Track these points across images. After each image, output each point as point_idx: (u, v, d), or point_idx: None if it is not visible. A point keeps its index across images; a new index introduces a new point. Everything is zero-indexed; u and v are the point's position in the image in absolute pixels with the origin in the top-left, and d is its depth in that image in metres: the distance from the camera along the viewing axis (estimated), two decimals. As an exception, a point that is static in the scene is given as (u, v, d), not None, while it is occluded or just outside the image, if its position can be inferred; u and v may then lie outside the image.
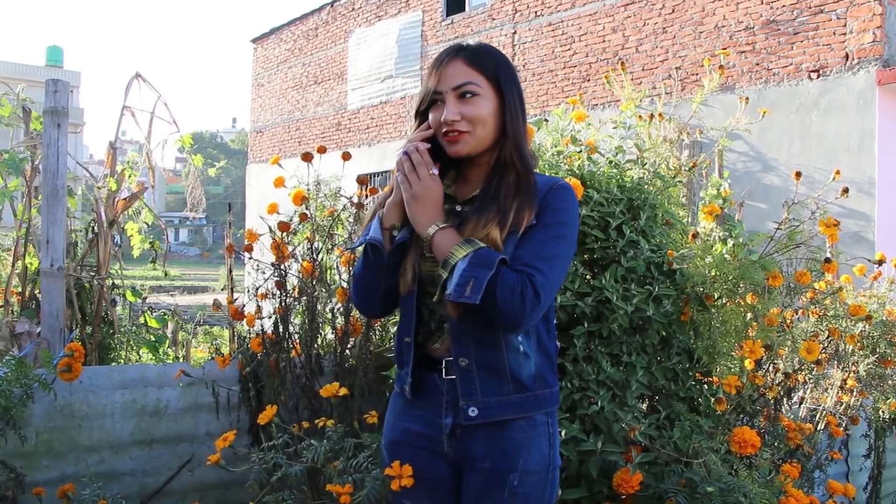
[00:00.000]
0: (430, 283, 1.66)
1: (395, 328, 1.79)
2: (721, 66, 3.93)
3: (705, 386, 2.64)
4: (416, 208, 1.62)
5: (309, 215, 2.91)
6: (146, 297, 4.16)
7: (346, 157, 3.03)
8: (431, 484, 1.71)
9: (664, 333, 2.58)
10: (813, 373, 3.31)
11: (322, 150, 2.98)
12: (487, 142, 1.66)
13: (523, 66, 11.40)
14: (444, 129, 1.64)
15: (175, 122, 4.10)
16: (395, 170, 1.70)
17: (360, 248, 1.73)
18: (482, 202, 1.63)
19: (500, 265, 1.53)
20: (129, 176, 3.90)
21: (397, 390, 1.79)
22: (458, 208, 1.70)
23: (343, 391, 2.34)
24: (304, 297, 2.87)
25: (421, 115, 1.70)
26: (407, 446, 1.74)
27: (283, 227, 2.84)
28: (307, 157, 2.95)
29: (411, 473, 1.69)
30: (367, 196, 3.06)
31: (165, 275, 4.15)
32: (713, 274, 2.60)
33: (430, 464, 1.71)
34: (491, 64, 1.66)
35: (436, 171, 1.64)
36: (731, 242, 2.76)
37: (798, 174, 2.99)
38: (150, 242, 4.10)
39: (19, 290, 3.68)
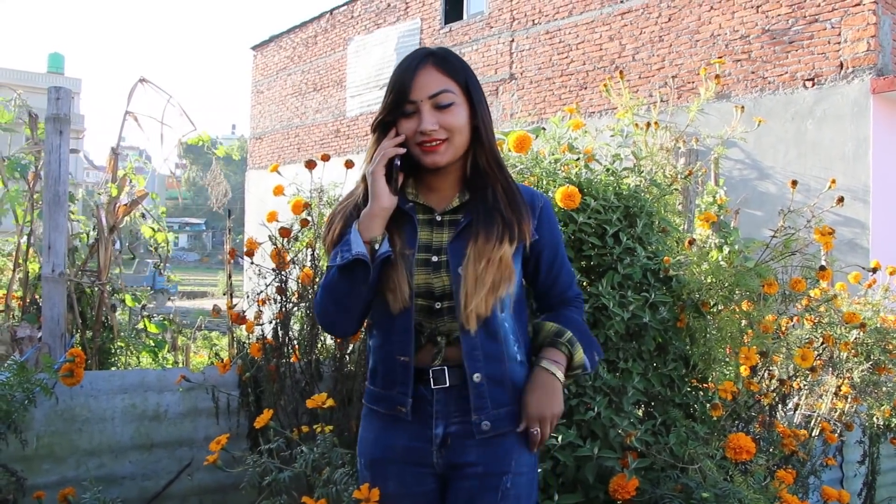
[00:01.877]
0: (426, 296, 1.64)
1: (376, 347, 1.71)
2: (717, 76, 3.96)
3: (701, 392, 2.66)
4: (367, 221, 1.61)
5: (310, 221, 2.93)
6: (145, 304, 4.18)
7: (350, 164, 3.06)
8: (417, 500, 1.69)
9: (660, 340, 2.60)
10: (808, 379, 3.33)
11: (326, 158, 3.00)
12: (462, 149, 1.65)
13: (521, 74, 11.45)
14: (420, 139, 1.61)
15: (191, 120, 4.10)
16: (363, 180, 1.69)
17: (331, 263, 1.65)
18: (485, 216, 1.63)
19: (581, 319, 1.79)
20: (131, 181, 3.92)
21: (382, 412, 1.70)
22: (438, 218, 1.68)
23: (330, 402, 2.32)
24: (304, 303, 2.89)
25: (383, 126, 1.65)
26: (391, 463, 1.69)
27: (285, 233, 2.86)
28: (311, 165, 2.98)
29: (378, 498, 1.67)
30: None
31: (169, 280, 4.17)
32: (709, 281, 2.62)
33: (417, 479, 1.68)
34: (461, 70, 1.65)
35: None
36: (726, 249, 2.78)
37: (794, 183, 3.02)
38: (155, 247, 4.12)
39: (20, 294, 3.69)
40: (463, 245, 1.62)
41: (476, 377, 1.63)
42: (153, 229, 4.09)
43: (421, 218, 1.68)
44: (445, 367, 1.65)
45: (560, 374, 1.67)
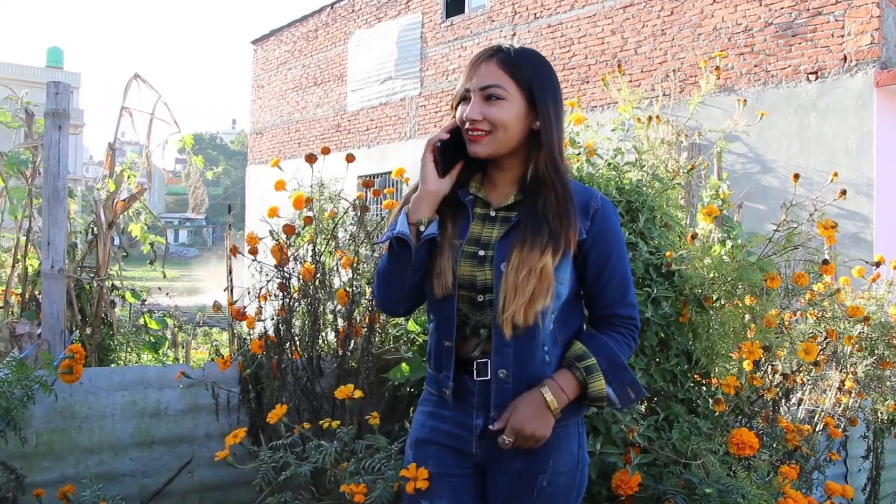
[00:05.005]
0: (469, 287, 1.67)
1: (432, 331, 1.77)
2: (717, 68, 3.94)
3: (704, 387, 2.65)
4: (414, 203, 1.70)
5: (313, 217, 2.91)
6: (145, 299, 4.17)
7: (350, 158, 3.04)
8: (453, 481, 1.71)
9: (663, 335, 2.58)
10: (811, 374, 3.32)
11: (326, 151, 2.98)
12: (508, 147, 1.67)
13: (522, 68, 11.40)
14: (465, 127, 1.66)
15: (176, 122, 4.09)
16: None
17: (385, 246, 1.75)
18: (533, 224, 1.64)
19: (618, 349, 1.67)
20: (129, 177, 3.90)
21: (433, 392, 1.76)
22: (492, 213, 1.71)
23: (358, 393, 2.33)
24: (306, 300, 2.87)
25: (455, 110, 1.74)
26: (434, 444, 1.73)
27: (289, 230, 2.83)
28: (311, 159, 2.96)
29: (427, 476, 1.70)
30: (369, 198, 3.07)
31: (164, 276, 4.15)
32: (712, 275, 2.61)
33: (455, 462, 1.71)
34: (526, 71, 1.67)
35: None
36: (729, 244, 2.77)
37: (796, 176, 3.00)
38: (150, 243, 4.11)
39: (20, 291, 3.68)
40: (509, 244, 1.64)
41: (501, 373, 1.65)
42: (146, 224, 4.07)
43: (478, 212, 1.73)
44: (488, 361, 1.66)
45: (553, 401, 1.60)
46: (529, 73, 1.67)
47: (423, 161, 1.70)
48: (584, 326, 1.78)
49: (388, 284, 1.74)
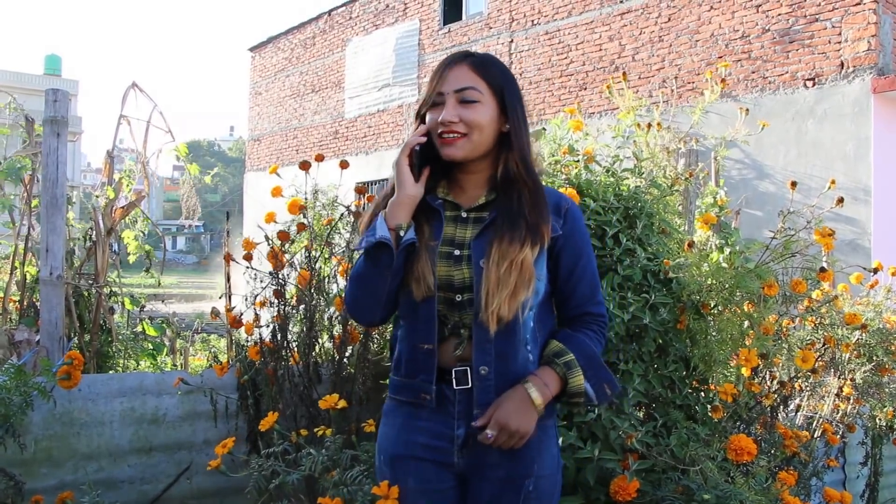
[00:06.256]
0: (447, 288, 1.66)
1: (402, 337, 1.74)
2: (723, 80, 3.95)
3: (702, 394, 2.65)
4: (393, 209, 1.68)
5: (307, 224, 2.92)
6: (144, 306, 4.17)
7: (344, 165, 3.04)
8: (435, 497, 1.69)
9: (661, 341, 2.59)
10: (810, 381, 3.32)
11: (320, 158, 2.99)
12: (481, 149, 1.68)
13: (520, 75, 11.43)
14: (440, 130, 1.66)
15: (170, 131, 4.11)
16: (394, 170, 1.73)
17: (360, 252, 1.72)
18: (510, 219, 1.65)
19: (593, 346, 1.69)
20: (127, 185, 3.91)
21: (404, 400, 1.72)
22: (464, 215, 1.71)
23: (342, 403, 2.33)
24: (302, 306, 2.87)
25: (421, 118, 1.72)
26: (412, 459, 1.70)
27: (283, 236, 2.84)
28: (305, 167, 2.97)
29: (397, 496, 1.68)
30: (365, 205, 3.07)
31: (159, 284, 4.16)
32: (709, 282, 2.61)
33: (436, 475, 1.69)
34: (496, 74, 1.69)
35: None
36: (727, 250, 2.77)
37: (793, 184, 3.01)
38: (147, 251, 4.11)
39: (18, 298, 3.68)
40: (486, 241, 1.65)
41: (483, 370, 1.64)
42: (143, 233, 4.08)
43: (448, 214, 1.72)
44: (468, 368, 1.65)
45: (538, 397, 1.60)
46: (500, 77, 1.69)
47: (399, 165, 1.68)
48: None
49: (365, 291, 1.69)
